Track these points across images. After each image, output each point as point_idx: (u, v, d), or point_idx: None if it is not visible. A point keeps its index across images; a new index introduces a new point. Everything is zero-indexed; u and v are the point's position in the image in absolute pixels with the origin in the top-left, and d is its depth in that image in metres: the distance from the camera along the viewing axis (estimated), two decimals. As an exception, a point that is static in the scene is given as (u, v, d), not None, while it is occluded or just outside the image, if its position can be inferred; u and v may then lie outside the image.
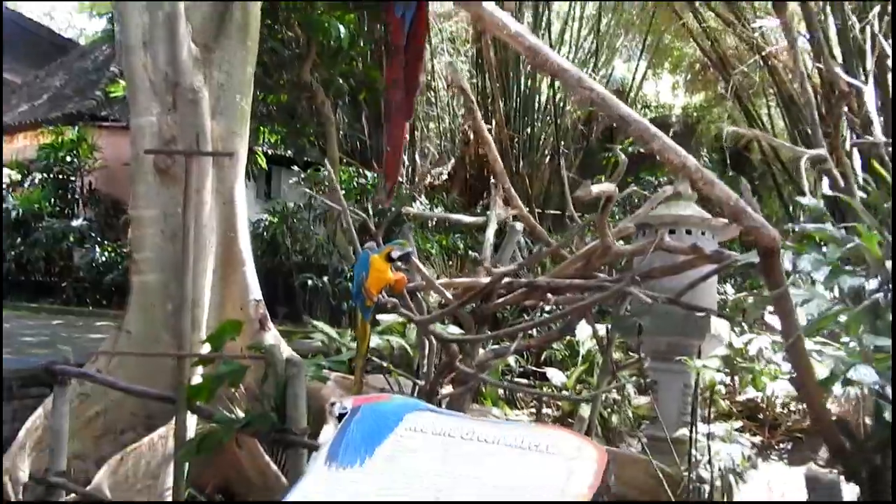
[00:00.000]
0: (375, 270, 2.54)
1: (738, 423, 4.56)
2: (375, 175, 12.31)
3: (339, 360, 3.13)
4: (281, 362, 2.76)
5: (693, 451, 4.16)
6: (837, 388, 6.05)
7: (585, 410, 6.05)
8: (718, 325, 4.58)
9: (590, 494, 1.72)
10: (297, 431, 2.65)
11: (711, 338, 4.51)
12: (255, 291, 4.37)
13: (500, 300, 3.57)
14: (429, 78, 18.91)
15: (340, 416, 2.31)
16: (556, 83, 14.71)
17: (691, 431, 3.80)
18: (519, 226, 3.86)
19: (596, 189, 2.80)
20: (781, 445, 5.91)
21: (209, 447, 2.79)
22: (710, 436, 3.96)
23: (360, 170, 12.60)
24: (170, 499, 3.95)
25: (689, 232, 4.57)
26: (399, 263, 2.64)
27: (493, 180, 4.22)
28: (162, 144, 4.12)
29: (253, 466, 3.87)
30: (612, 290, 2.46)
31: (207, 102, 4.18)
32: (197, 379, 3.22)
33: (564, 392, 6.11)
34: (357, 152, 14.70)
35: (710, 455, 3.95)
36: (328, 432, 2.20)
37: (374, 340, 6.05)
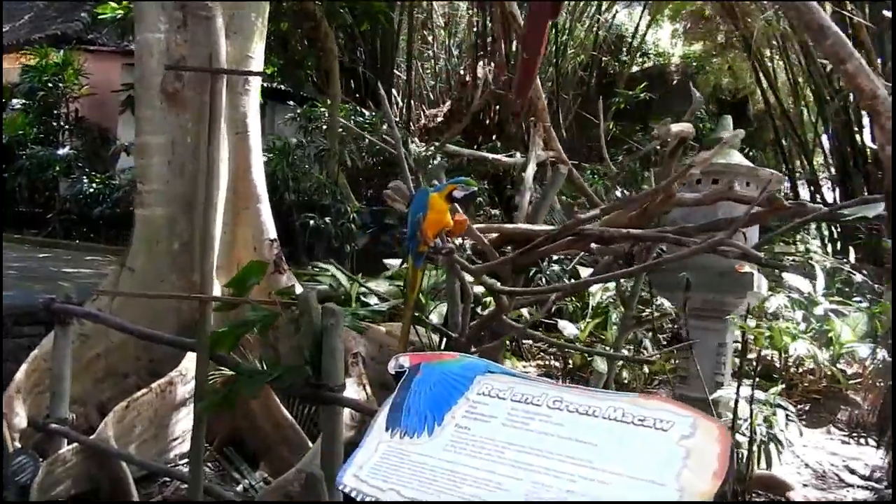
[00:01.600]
0: (434, 211, 2.22)
1: (780, 387, 4.37)
2: (374, 114, 11.87)
3: (376, 310, 2.84)
4: (316, 310, 2.46)
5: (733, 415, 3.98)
6: (864, 350, 5.88)
7: (599, 364, 5.85)
8: (761, 283, 4.35)
9: (715, 484, 1.46)
10: (333, 387, 2.38)
11: (752, 295, 4.28)
12: (270, 230, 4.05)
13: (542, 248, 3.29)
14: (425, 16, 18.27)
15: (397, 376, 2.04)
16: (558, 25, 14.20)
17: (737, 393, 3.58)
18: (564, 169, 3.56)
19: (676, 128, 2.49)
20: (798, 407, 5.76)
21: (233, 401, 2.52)
22: (752, 399, 3.76)
23: (358, 108, 12.13)
24: (177, 450, 3.70)
25: (731, 182, 4.31)
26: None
27: (531, 119, 3.89)
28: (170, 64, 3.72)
29: (267, 417, 3.62)
30: (703, 245, 2.16)
31: (221, 20, 3.77)
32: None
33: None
34: (353, 90, 14.18)
35: (752, 420, 3.76)
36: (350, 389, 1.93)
37: (383, 286, 5.79)
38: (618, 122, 13.65)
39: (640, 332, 5.90)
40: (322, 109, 11.09)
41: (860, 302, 7.27)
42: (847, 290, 7.85)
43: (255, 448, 3.67)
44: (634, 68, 18.10)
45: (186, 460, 3.36)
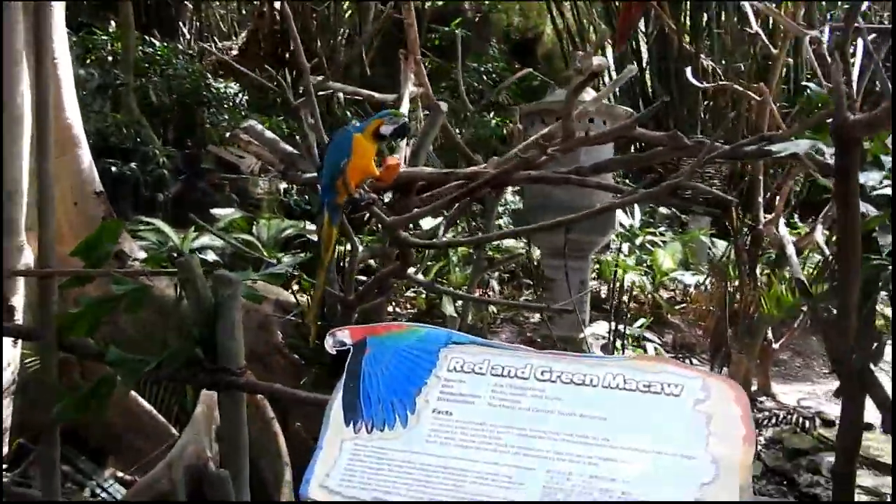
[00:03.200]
0: (359, 156, 1.86)
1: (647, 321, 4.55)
2: (165, 45, 10.63)
3: (275, 274, 2.41)
4: (202, 278, 2.02)
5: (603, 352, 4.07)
6: (688, 278, 6.31)
7: (448, 308, 5.77)
8: (619, 220, 4.46)
9: (748, 451, 1.34)
10: (235, 370, 1.98)
11: (612, 232, 4.38)
12: (95, 181, 3.35)
13: (428, 194, 3.04)
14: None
15: (337, 356, 1.70)
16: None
17: (615, 329, 3.64)
18: (444, 106, 3.28)
19: (596, 61, 2.32)
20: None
21: (104, 402, 2.02)
22: (621, 335, 3.86)
23: (146, 37, 10.77)
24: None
25: (591, 120, 4.32)
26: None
27: (401, 51, 3.54)
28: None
29: (114, 404, 3.04)
30: (662, 189, 2.03)
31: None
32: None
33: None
34: (137, 16, 12.57)
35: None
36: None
37: (207, 239, 5.18)
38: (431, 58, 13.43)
39: (488, 273, 5.89)
40: (103, 37, 9.71)
41: (666, 231, 7.90)
42: (653, 220, 8.49)
43: (99, 441, 3.09)
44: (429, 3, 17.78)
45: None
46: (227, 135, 8.01)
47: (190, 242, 4.68)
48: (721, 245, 6.75)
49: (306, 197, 7.50)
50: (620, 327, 3.82)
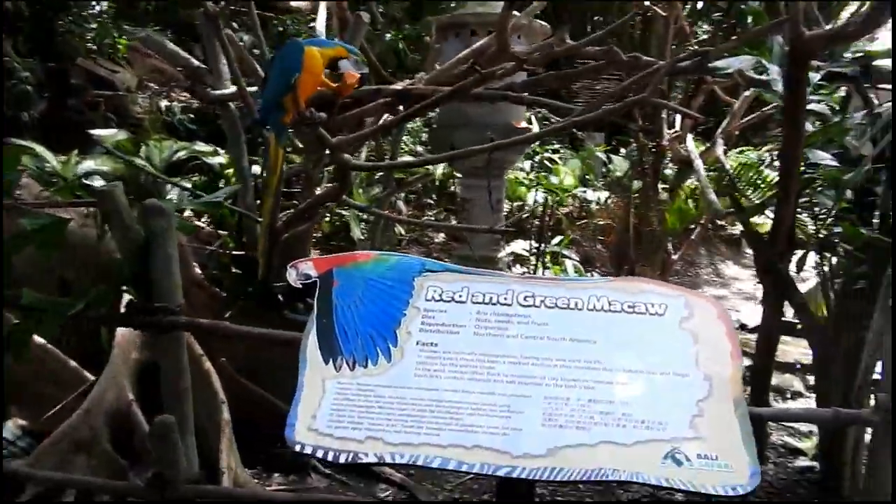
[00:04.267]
0: (310, 73, 1.68)
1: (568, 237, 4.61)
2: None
3: (212, 203, 2.18)
4: (127, 208, 1.82)
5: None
6: (590, 194, 6.46)
7: (356, 231, 5.67)
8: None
9: (737, 366, 1.37)
10: (173, 308, 1.82)
11: (527, 150, 4.35)
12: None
13: (356, 111, 2.88)
14: None
15: (302, 290, 1.58)
16: None
17: (540, 248, 3.67)
18: (366, 15, 3.05)
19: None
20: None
21: (24, 348, 1.82)
22: (541, 252, 3.90)
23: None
24: None
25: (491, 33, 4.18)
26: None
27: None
28: None
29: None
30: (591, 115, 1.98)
31: None
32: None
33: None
34: None
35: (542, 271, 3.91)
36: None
37: (92, 163, 4.75)
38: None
39: (396, 195, 5.75)
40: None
41: (560, 148, 8.02)
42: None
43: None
44: None
45: None
46: (95, 47, 7.23)
47: (73, 167, 4.25)
48: (617, 161, 6.94)
49: (192, 116, 6.98)
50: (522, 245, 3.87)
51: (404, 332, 1.46)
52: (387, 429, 1.32)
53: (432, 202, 7.06)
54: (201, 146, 5.37)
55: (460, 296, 1.52)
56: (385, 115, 2.94)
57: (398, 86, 2.82)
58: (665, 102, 2.31)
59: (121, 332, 2.67)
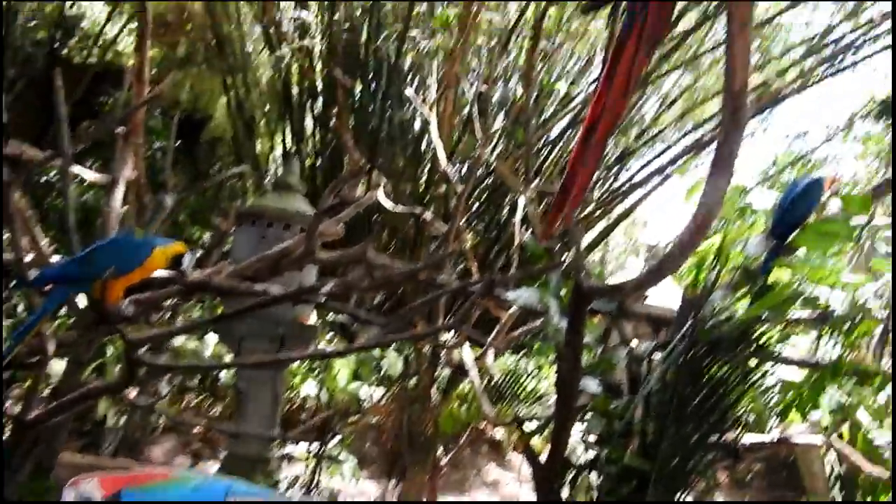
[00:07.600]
0: (144, 270, 1.62)
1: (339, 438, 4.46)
2: None
3: None
4: None
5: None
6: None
7: (109, 419, 5.17)
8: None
9: None
10: None
11: (314, 344, 4.33)
12: None
13: (148, 295, 2.75)
14: None
15: None
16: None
17: (320, 449, 3.55)
18: (170, 201, 2.96)
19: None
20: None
21: None
22: (320, 455, 3.78)
23: None
24: None
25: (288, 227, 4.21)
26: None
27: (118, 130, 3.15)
28: None
29: None
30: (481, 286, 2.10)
31: None
32: None
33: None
34: None
35: (317, 478, 3.78)
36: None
37: None
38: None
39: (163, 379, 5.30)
40: None
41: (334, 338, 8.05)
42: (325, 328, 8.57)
43: None
44: (94, 60, 14.90)
45: None
46: None
47: None
48: (392, 356, 7.09)
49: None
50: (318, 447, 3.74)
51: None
52: None
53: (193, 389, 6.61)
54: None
55: (269, 525, 1.43)
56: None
57: (198, 275, 2.76)
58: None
59: None
